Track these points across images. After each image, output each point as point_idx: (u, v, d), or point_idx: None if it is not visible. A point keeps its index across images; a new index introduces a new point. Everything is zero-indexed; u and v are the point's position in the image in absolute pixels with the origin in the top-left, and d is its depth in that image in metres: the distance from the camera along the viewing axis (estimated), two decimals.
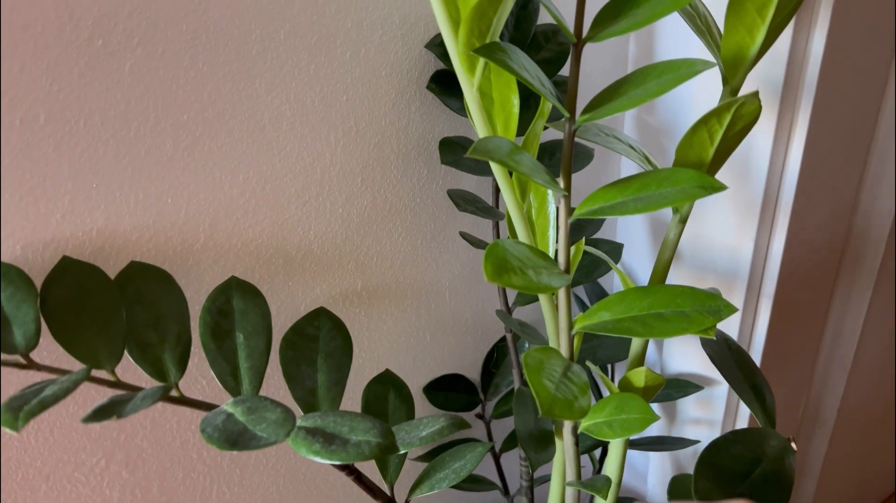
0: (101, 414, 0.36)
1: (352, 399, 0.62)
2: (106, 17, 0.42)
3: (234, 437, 0.39)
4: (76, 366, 0.45)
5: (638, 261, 0.74)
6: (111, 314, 0.44)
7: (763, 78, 0.55)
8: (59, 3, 0.40)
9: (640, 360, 0.51)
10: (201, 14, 0.45)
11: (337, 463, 0.42)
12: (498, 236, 0.61)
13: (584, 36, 0.42)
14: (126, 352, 0.44)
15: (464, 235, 0.57)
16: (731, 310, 0.41)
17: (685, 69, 0.40)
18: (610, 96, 0.42)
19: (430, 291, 0.64)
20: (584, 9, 0.41)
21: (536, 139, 0.44)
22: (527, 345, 0.67)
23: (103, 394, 0.50)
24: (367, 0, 0.50)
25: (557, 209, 0.45)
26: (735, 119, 0.43)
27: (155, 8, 0.43)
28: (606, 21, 0.42)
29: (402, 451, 0.44)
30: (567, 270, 0.44)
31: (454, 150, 0.56)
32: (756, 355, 0.68)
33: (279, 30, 0.48)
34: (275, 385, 0.57)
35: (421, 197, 0.60)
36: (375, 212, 0.58)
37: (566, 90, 0.42)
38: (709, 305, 0.42)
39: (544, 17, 0.59)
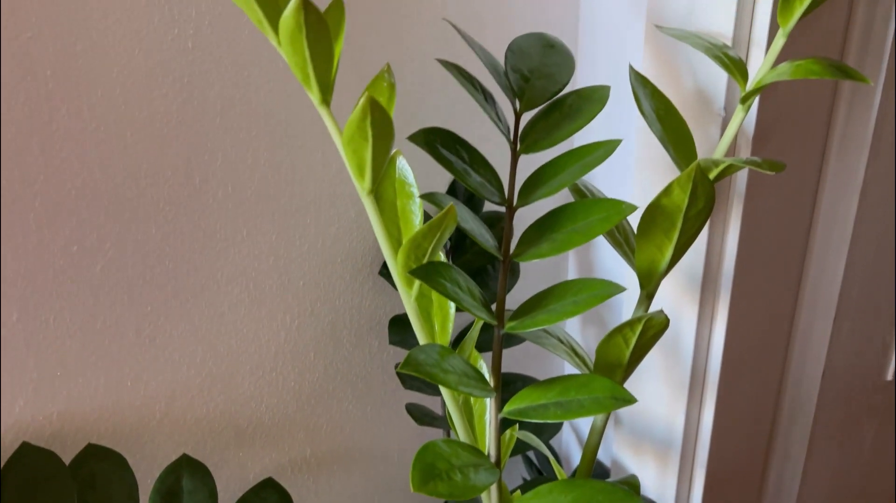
0: None
1: None
2: (83, 223, 0.47)
3: None
4: None
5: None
6: (63, 500, 0.46)
7: (685, 269, 0.61)
8: (39, 219, 0.45)
9: None
10: (171, 220, 0.50)
11: None
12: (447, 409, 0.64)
13: (510, 254, 0.47)
14: None
15: (409, 409, 0.60)
16: None
17: (600, 290, 0.45)
18: (533, 307, 0.47)
19: (379, 456, 0.67)
20: (512, 228, 0.47)
21: (472, 342, 0.49)
22: None
23: None
24: (326, 198, 0.55)
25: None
26: (646, 328, 0.48)
27: (129, 212, 0.48)
28: (530, 241, 0.47)
29: None
30: (497, 464, 0.47)
31: (403, 330, 0.60)
32: None
33: (241, 228, 0.53)
34: None
35: (372, 366, 0.64)
36: (327, 382, 0.61)
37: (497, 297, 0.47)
38: None
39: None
